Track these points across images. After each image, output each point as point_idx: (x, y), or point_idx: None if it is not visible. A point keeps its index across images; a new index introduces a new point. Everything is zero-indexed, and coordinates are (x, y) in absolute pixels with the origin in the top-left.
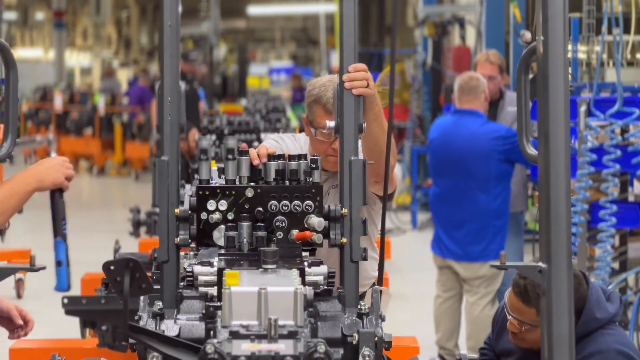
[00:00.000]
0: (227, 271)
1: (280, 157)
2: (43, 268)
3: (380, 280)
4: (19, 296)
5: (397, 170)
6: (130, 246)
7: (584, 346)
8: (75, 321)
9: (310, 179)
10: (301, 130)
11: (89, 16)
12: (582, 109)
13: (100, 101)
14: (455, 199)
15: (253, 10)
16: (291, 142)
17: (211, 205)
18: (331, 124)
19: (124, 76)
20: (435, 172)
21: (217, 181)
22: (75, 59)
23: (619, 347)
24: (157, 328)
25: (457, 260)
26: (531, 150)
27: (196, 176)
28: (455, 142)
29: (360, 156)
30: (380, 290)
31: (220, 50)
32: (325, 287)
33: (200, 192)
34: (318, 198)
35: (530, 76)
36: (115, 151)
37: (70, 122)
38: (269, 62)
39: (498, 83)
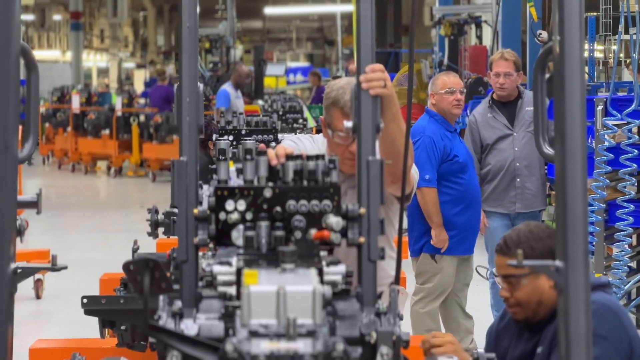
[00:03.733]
0: (245, 271)
1: (298, 157)
2: (64, 267)
3: (397, 279)
4: (38, 296)
5: (414, 171)
6: (148, 246)
7: None
8: (93, 322)
9: (328, 179)
10: (318, 130)
11: (106, 17)
12: (599, 108)
13: (118, 102)
14: None
15: (269, 10)
16: (309, 143)
17: (229, 205)
18: (349, 124)
19: (140, 77)
20: None
21: (235, 181)
22: (92, 60)
23: (605, 302)
24: (177, 327)
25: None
26: (547, 150)
27: (214, 176)
28: None
29: (378, 156)
30: (398, 290)
31: (237, 50)
32: (343, 287)
33: (219, 193)
34: (336, 198)
35: (547, 75)
36: (133, 152)
37: (88, 123)
38: (285, 62)
39: (514, 80)
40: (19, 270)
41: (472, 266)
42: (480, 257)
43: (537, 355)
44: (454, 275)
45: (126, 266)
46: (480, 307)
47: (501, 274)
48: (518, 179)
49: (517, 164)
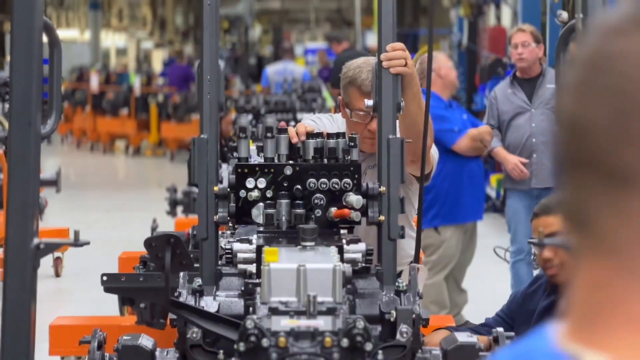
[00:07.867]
0: (266, 248)
1: (318, 135)
2: (87, 243)
3: (416, 258)
4: (57, 274)
5: (434, 151)
6: (166, 226)
7: None
8: (112, 300)
9: (349, 157)
10: (336, 110)
11: None
12: None
13: (136, 82)
14: None
15: None
16: (329, 123)
17: (250, 183)
18: (369, 102)
19: (158, 57)
20: None
21: (255, 159)
22: (111, 40)
23: None
24: (197, 304)
25: None
26: None
27: (235, 154)
28: None
29: (398, 135)
30: (418, 268)
31: (255, 31)
32: (363, 265)
33: (239, 170)
34: (356, 176)
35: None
36: (151, 131)
37: (106, 103)
38: (303, 43)
39: (533, 51)
40: (42, 246)
41: (474, 244)
42: (495, 238)
43: None
44: (458, 246)
45: (148, 242)
46: (496, 287)
47: (548, 233)
48: (535, 155)
49: (534, 140)
